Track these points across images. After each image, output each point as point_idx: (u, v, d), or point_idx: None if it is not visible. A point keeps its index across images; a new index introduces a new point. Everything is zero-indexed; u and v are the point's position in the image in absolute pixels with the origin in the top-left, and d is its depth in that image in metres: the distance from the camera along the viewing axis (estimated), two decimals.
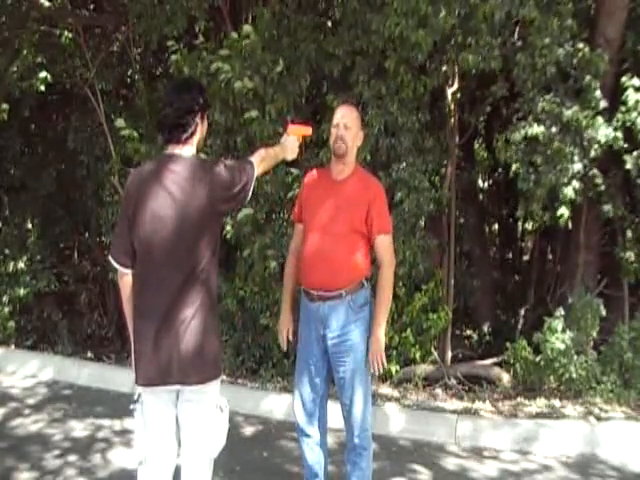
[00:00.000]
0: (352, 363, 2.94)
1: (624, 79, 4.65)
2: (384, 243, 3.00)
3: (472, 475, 3.80)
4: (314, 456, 3.11)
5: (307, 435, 3.09)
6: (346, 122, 2.99)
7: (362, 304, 2.98)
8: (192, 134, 2.42)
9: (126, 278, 2.43)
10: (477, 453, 4.08)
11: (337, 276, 2.91)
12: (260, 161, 2.66)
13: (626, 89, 4.62)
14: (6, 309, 5.97)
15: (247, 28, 4.62)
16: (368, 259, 3.02)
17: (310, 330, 3.02)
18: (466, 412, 4.53)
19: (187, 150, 2.42)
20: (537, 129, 4.51)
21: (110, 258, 2.46)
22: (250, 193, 2.53)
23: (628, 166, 4.64)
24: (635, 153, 4.65)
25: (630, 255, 5.06)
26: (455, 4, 4.30)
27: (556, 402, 4.63)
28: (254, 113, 4.66)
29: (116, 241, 2.47)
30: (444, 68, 4.77)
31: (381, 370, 2.95)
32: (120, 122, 5.10)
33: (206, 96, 2.52)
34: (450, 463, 3.94)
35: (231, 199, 2.45)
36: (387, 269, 3.00)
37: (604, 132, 4.53)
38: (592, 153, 4.58)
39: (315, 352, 3.02)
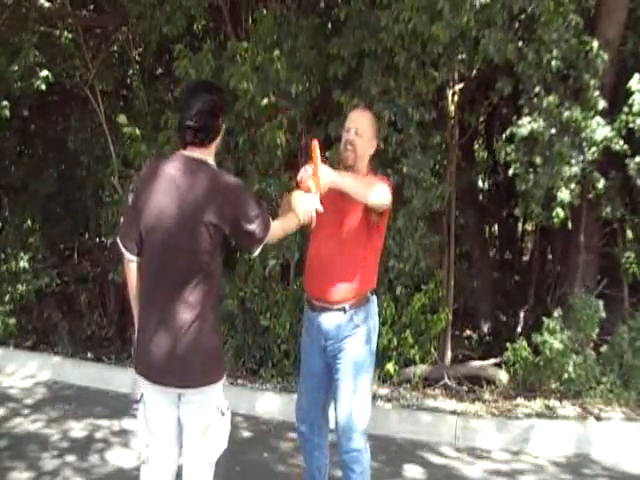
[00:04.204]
0: (350, 370, 2.84)
1: (632, 82, 4.56)
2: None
3: (472, 476, 3.80)
4: (315, 459, 3.10)
5: (308, 439, 3.08)
6: (357, 128, 2.83)
7: (364, 318, 2.87)
8: (213, 137, 2.37)
9: (132, 265, 2.42)
10: (477, 454, 4.08)
11: (338, 288, 2.79)
12: (280, 229, 2.52)
13: (632, 93, 4.54)
14: (7, 307, 5.97)
15: (276, 52, 4.60)
16: (373, 270, 2.87)
17: (312, 340, 2.96)
18: (466, 413, 4.52)
19: (206, 153, 2.37)
20: (541, 124, 4.47)
21: (118, 241, 2.45)
22: (258, 246, 2.43)
23: (631, 172, 4.62)
24: (637, 158, 4.60)
25: (630, 255, 5.06)
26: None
27: (555, 402, 4.63)
28: (271, 123, 4.68)
29: (124, 227, 2.47)
30: (461, 57, 4.67)
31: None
32: (122, 118, 5.08)
33: (224, 97, 2.45)
34: (450, 464, 3.94)
35: (236, 227, 2.34)
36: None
37: (602, 132, 4.49)
38: (590, 154, 4.55)
39: (317, 363, 2.96)
